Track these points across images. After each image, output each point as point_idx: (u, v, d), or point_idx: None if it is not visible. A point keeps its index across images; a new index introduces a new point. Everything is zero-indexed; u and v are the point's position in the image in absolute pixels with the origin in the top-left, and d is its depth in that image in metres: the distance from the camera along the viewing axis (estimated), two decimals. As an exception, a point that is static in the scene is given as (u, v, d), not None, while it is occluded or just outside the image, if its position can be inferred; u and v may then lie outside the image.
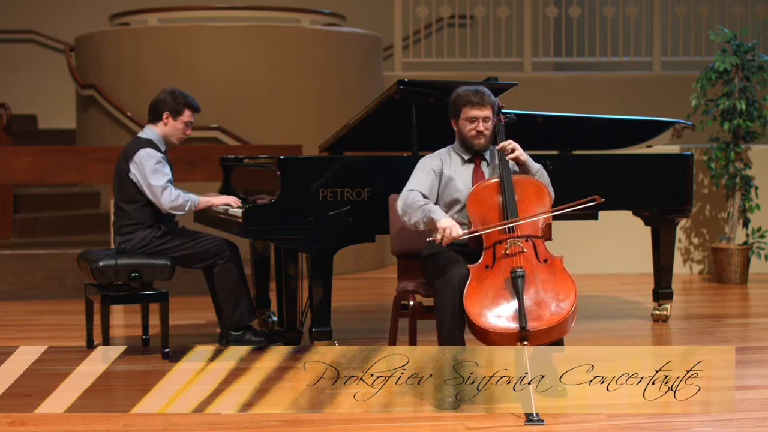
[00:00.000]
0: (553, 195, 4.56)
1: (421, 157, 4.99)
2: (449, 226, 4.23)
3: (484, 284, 4.15)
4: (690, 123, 6.19)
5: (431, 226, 4.30)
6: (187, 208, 5.29)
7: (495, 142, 4.54)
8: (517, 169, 4.52)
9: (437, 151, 4.62)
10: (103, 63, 8.72)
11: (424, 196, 4.45)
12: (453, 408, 4.17)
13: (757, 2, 10.26)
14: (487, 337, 4.08)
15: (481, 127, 4.45)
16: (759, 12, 10.16)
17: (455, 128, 4.54)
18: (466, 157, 4.54)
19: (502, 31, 10.38)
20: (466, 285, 4.15)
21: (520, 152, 4.44)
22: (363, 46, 8.93)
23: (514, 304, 4.08)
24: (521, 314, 4.02)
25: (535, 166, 4.51)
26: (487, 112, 4.44)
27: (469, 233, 4.28)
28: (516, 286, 4.09)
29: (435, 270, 4.38)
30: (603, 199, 4.32)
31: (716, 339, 5.67)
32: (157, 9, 8.85)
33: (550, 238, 4.40)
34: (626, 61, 10.24)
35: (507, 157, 4.41)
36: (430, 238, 4.28)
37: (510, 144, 4.43)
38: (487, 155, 4.57)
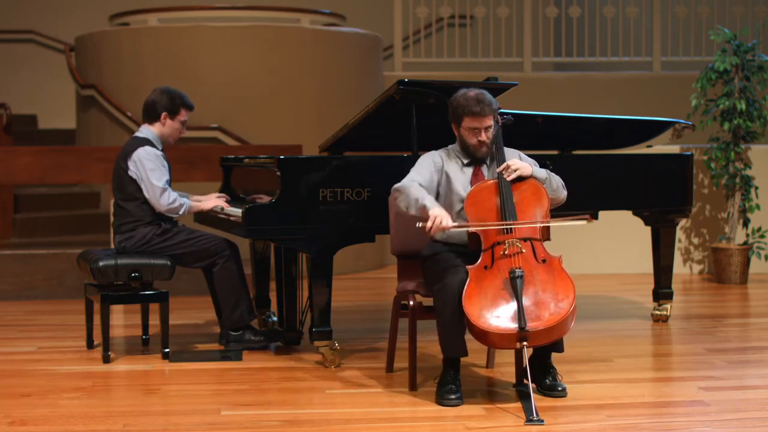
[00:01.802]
0: (563, 195, 4.55)
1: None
2: (440, 215, 4.22)
3: (483, 285, 4.15)
4: (690, 123, 6.19)
5: (422, 213, 4.29)
6: (180, 213, 5.33)
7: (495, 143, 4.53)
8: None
9: (437, 150, 4.61)
10: (103, 63, 8.73)
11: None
12: (450, 404, 4.17)
13: (757, 2, 10.26)
14: (487, 337, 4.08)
15: (483, 137, 4.43)
16: (759, 12, 10.16)
17: (456, 132, 4.53)
18: (466, 161, 4.54)
19: (502, 31, 10.38)
20: (465, 286, 4.15)
21: (521, 170, 4.41)
22: (363, 46, 8.94)
23: (513, 304, 4.08)
24: (520, 315, 4.03)
25: (542, 174, 4.48)
26: (488, 122, 4.42)
27: (459, 226, 4.28)
28: (515, 286, 4.09)
29: (434, 273, 4.38)
30: (594, 220, 4.36)
31: (716, 339, 5.67)
32: (157, 9, 8.85)
33: (548, 239, 4.41)
34: (626, 61, 10.24)
35: (509, 178, 4.40)
36: (419, 224, 4.27)
37: (509, 167, 4.40)
38: (487, 159, 4.55)
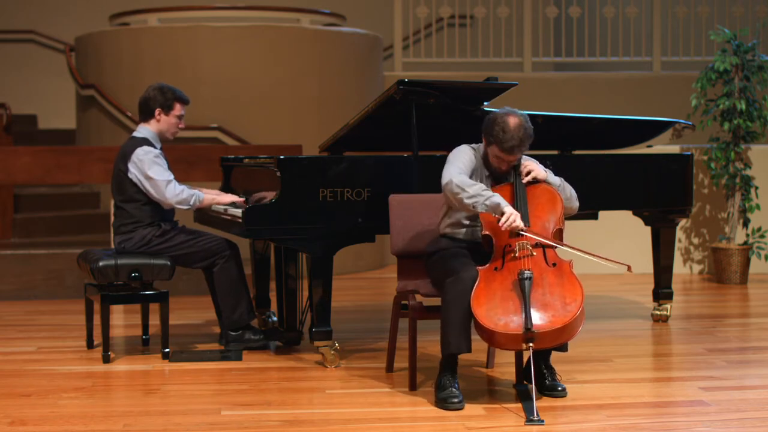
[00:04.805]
0: (575, 205, 4.54)
1: (421, 157, 4.99)
2: (516, 214, 4.20)
3: (492, 286, 4.15)
4: (690, 123, 6.19)
5: (496, 209, 4.22)
6: (192, 203, 5.29)
7: None
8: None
9: (469, 146, 4.53)
10: (103, 63, 8.73)
11: None
12: (455, 408, 4.16)
13: (757, 2, 10.26)
14: (494, 338, 4.08)
15: (505, 167, 4.42)
16: (759, 12, 10.16)
17: (484, 141, 4.45)
18: (486, 173, 4.52)
19: (502, 31, 10.38)
20: (475, 286, 4.14)
21: (536, 172, 4.42)
22: (363, 46, 8.94)
23: (520, 306, 4.07)
24: (527, 316, 4.02)
25: (556, 181, 4.48)
26: (515, 158, 4.37)
27: (528, 231, 4.25)
28: (523, 287, 4.08)
29: (443, 269, 4.36)
30: (632, 271, 4.31)
31: (716, 339, 5.67)
32: (157, 9, 8.85)
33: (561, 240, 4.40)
34: (626, 61, 10.24)
35: (524, 180, 4.40)
36: (497, 217, 4.22)
37: (525, 168, 4.42)
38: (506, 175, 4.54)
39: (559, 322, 4.04)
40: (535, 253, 4.23)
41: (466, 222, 4.49)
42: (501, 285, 4.15)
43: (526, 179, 4.40)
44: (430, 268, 4.55)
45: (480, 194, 4.25)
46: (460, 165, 4.41)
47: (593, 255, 4.28)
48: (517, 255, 4.22)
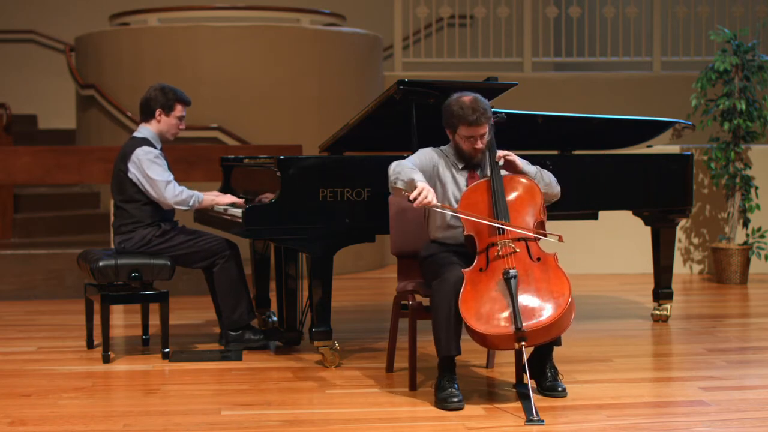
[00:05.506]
0: (557, 190, 4.55)
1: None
2: (427, 190, 4.21)
3: (478, 288, 4.15)
4: (690, 123, 6.19)
5: (410, 185, 4.26)
6: (191, 204, 5.29)
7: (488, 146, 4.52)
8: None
9: (432, 148, 4.59)
10: (103, 63, 8.73)
11: None
12: (454, 408, 4.16)
13: (757, 2, 10.26)
14: (486, 340, 4.08)
15: (478, 144, 4.43)
16: (759, 12, 10.16)
17: (450, 137, 4.52)
18: (461, 166, 4.53)
19: (502, 31, 10.38)
20: (461, 289, 4.14)
21: (513, 156, 4.43)
22: (363, 46, 8.94)
23: (509, 305, 4.07)
24: (516, 315, 4.02)
25: (533, 170, 4.50)
26: (484, 130, 4.41)
27: (443, 207, 4.29)
28: (509, 286, 4.08)
29: (431, 271, 4.38)
30: (564, 241, 4.31)
31: (716, 339, 5.67)
32: (157, 9, 8.85)
33: (544, 235, 4.40)
34: (626, 61, 10.24)
35: (499, 161, 4.40)
36: (405, 193, 4.26)
37: (502, 156, 4.43)
38: (481, 163, 4.55)
39: (549, 318, 4.04)
40: (518, 250, 4.23)
41: (450, 224, 4.49)
42: (487, 286, 4.15)
43: (500, 157, 4.40)
44: (423, 271, 4.57)
45: (402, 172, 4.31)
46: (414, 159, 4.49)
47: (527, 230, 4.29)
48: (500, 254, 4.22)
